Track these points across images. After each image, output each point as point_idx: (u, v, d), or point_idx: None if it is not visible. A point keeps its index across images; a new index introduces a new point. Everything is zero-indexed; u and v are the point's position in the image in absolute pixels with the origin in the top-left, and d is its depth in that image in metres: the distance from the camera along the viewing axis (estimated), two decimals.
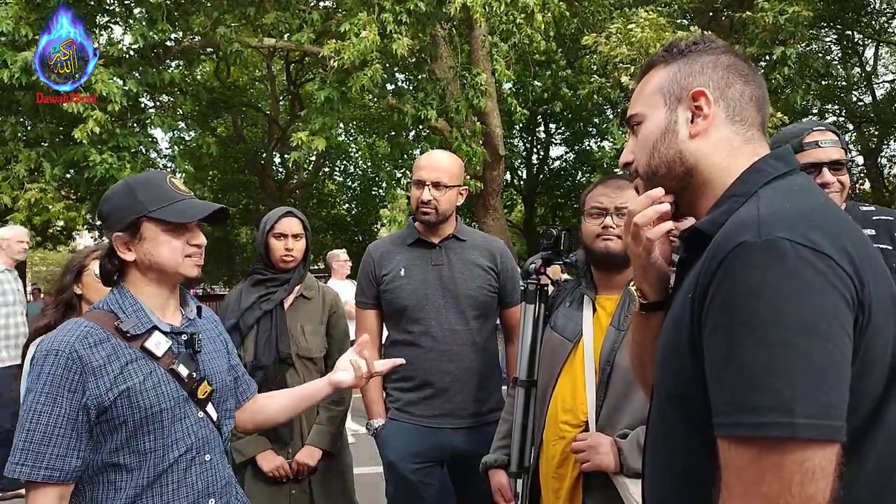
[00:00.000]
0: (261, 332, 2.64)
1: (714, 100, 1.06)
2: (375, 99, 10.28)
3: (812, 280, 0.83)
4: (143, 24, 8.75)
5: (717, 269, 0.88)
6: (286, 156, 18.95)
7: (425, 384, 2.52)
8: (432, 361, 2.51)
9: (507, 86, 11.65)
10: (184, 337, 1.66)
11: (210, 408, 1.67)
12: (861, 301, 0.85)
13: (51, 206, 8.57)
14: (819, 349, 0.80)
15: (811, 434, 0.79)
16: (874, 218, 2.20)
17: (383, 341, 2.76)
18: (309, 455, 2.64)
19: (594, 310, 1.95)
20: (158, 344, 1.59)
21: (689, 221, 1.12)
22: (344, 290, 6.61)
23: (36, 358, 1.52)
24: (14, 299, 5.09)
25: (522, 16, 9.01)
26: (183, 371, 1.61)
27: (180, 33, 9.95)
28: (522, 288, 2.16)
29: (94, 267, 2.37)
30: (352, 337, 3.60)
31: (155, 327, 1.61)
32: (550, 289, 2.16)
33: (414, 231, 2.64)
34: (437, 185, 2.52)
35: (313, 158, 18.21)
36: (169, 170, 14.97)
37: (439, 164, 2.57)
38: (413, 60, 10.06)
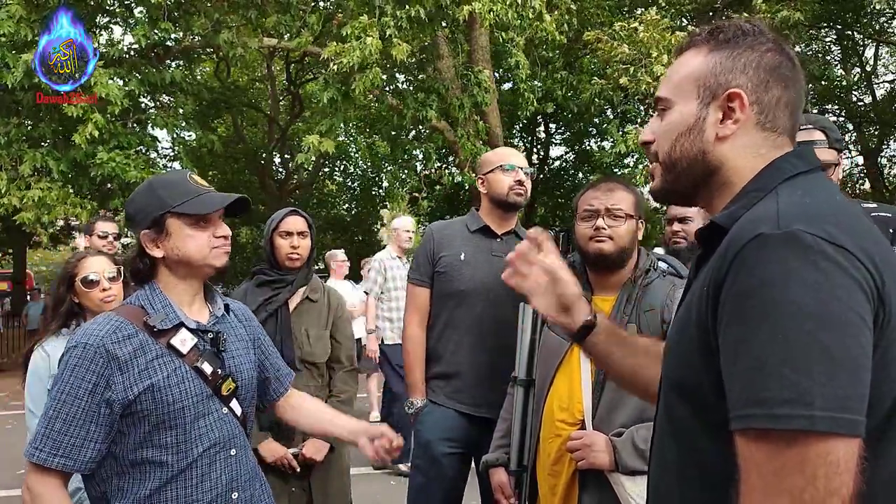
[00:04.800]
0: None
1: (749, 104, 1.02)
2: (376, 100, 10.31)
3: (831, 272, 0.82)
4: (145, 24, 8.76)
5: (733, 260, 0.87)
6: (286, 156, 19.07)
7: (472, 371, 2.55)
8: (484, 351, 2.55)
9: (508, 85, 11.67)
10: (209, 335, 1.69)
11: (235, 404, 1.71)
12: (882, 297, 0.84)
13: (56, 205, 8.60)
14: (838, 341, 0.79)
15: (830, 427, 0.77)
16: (873, 215, 2.20)
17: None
18: (316, 450, 2.66)
19: None
20: (184, 341, 1.63)
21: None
22: (342, 290, 6.63)
23: (67, 348, 1.57)
24: (402, 284, 5.37)
25: (531, 11, 9.05)
26: (207, 368, 1.64)
27: (181, 33, 9.97)
28: None
29: (83, 273, 2.42)
30: (356, 335, 3.63)
31: (182, 324, 1.64)
32: None
33: (478, 219, 2.71)
34: (523, 171, 2.67)
35: (314, 159, 18.25)
36: (170, 169, 14.99)
37: (523, 157, 2.75)
38: (413, 62, 10.11)
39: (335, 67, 8.12)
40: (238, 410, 1.71)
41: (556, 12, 9.59)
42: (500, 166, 2.65)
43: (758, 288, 0.83)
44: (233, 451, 1.68)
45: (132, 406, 1.54)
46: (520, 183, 2.63)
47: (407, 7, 8.31)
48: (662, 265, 2.07)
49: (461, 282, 2.59)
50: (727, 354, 0.86)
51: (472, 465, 2.72)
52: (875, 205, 2.29)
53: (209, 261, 1.66)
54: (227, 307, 1.81)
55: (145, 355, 1.57)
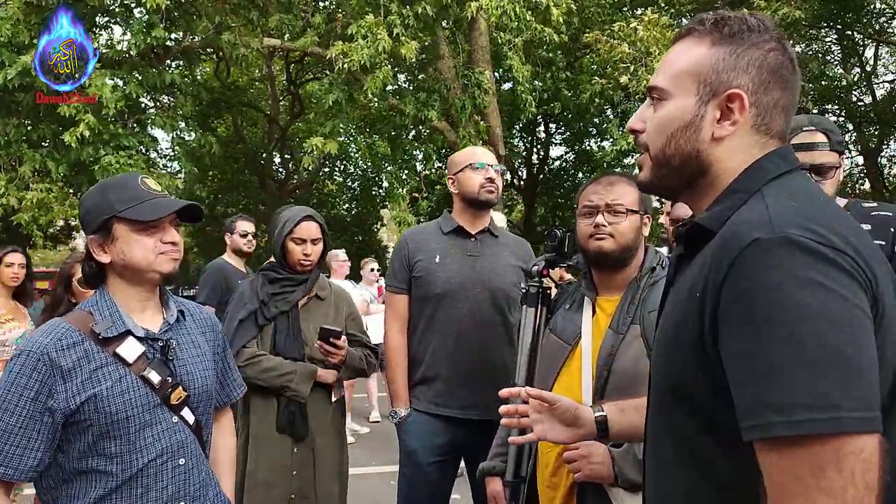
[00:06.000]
0: (279, 331, 2.65)
1: (748, 105, 1.00)
2: (377, 100, 10.28)
3: (831, 273, 0.82)
4: (143, 29, 8.73)
5: (731, 266, 0.86)
6: (286, 156, 19.03)
7: (454, 373, 2.54)
8: (464, 351, 2.54)
9: (507, 85, 11.64)
10: (159, 343, 1.66)
11: (187, 412, 1.67)
12: (875, 296, 0.85)
13: (55, 206, 8.58)
14: (848, 340, 0.79)
15: (857, 427, 0.78)
16: (873, 214, 2.20)
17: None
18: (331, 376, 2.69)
19: (594, 312, 1.90)
20: (131, 350, 1.60)
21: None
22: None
23: (12, 356, 1.57)
24: None
25: (530, 13, 9.01)
26: (154, 377, 1.61)
27: (181, 34, 9.94)
28: (524, 290, 2.15)
29: (79, 274, 2.40)
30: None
31: (129, 332, 1.61)
32: (553, 292, 2.13)
33: (451, 220, 2.70)
34: (493, 168, 2.65)
35: (319, 160, 18.24)
36: (170, 169, 14.95)
37: (492, 154, 2.73)
38: (414, 62, 10.10)
39: (345, 66, 8.06)
40: (191, 419, 1.68)
41: (563, 5, 9.55)
42: (470, 165, 2.63)
43: (761, 293, 0.83)
44: (181, 461, 1.65)
45: (75, 416, 1.52)
46: (490, 180, 2.62)
47: (410, 6, 8.27)
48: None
49: (438, 284, 2.58)
50: (735, 362, 0.85)
51: (463, 464, 2.72)
52: (875, 204, 2.29)
53: (155, 267, 1.63)
54: (182, 313, 1.77)
55: (89, 364, 1.55)
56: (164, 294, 1.75)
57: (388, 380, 2.70)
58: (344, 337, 2.61)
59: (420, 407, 2.60)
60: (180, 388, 1.65)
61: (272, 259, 2.89)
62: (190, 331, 1.77)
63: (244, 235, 4.34)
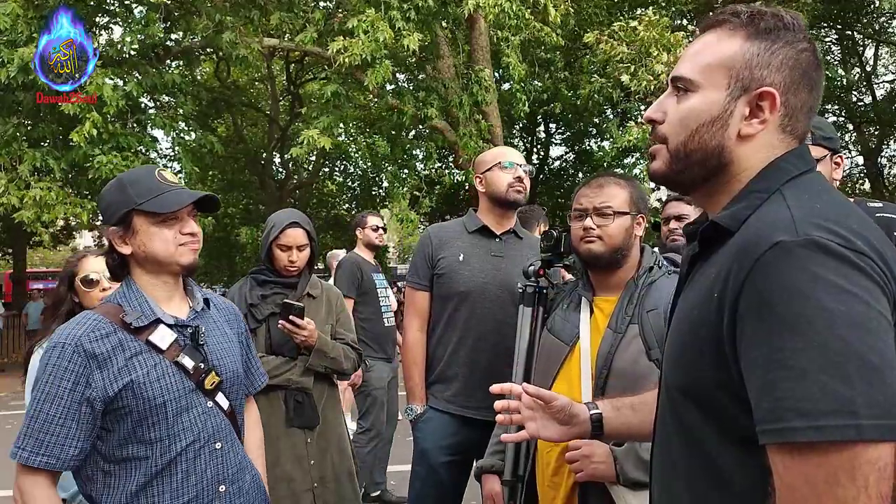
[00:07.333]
0: (273, 331, 2.65)
1: (778, 105, 0.98)
2: (376, 99, 10.28)
3: (855, 277, 0.81)
4: (138, 31, 8.72)
5: (752, 268, 0.85)
6: (287, 156, 19.03)
7: (473, 373, 2.53)
8: (483, 351, 2.53)
9: (507, 85, 11.65)
10: (189, 330, 1.70)
11: (221, 397, 1.71)
12: None
13: (56, 205, 8.59)
14: (871, 346, 0.78)
15: (875, 435, 0.76)
16: (878, 215, 2.18)
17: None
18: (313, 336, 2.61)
19: (591, 311, 1.91)
20: (163, 337, 1.64)
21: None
22: None
23: (46, 348, 1.59)
24: None
25: (529, 11, 9.01)
26: (188, 363, 1.65)
27: (180, 34, 9.95)
28: (520, 290, 2.15)
29: (83, 273, 2.40)
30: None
31: (159, 320, 1.65)
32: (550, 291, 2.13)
33: (476, 219, 2.69)
34: (522, 168, 2.66)
35: (313, 158, 18.24)
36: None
37: (521, 155, 2.73)
38: (414, 60, 10.10)
39: (346, 61, 8.03)
40: (224, 404, 1.72)
41: (561, 6, 9.55)
42: (499, 164, 2.62)
43: (784, 297, 0.82)
44: (218, 445, 1.69)
45: (114, 403, 1.56)
46: (519, 180, 2.61)
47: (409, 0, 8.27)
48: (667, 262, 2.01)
49: (460, 283, 2.56)
50: (755, 365, 0.84)
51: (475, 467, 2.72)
52: (881, 204, 2.27)
53: (175, 258, 1.66)
54: (207, 301, 1.82)
55: (124, 353, 1.58)
56: (188, 284, 1.79)
57: (405, 376, 2.68)
58: (309, 319, 2.57)
59: (437, 405, 2.59)
60: (213, 372, 1.69)
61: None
62: (216, 319, 1.81)
63: (375, 230, 4.57)
